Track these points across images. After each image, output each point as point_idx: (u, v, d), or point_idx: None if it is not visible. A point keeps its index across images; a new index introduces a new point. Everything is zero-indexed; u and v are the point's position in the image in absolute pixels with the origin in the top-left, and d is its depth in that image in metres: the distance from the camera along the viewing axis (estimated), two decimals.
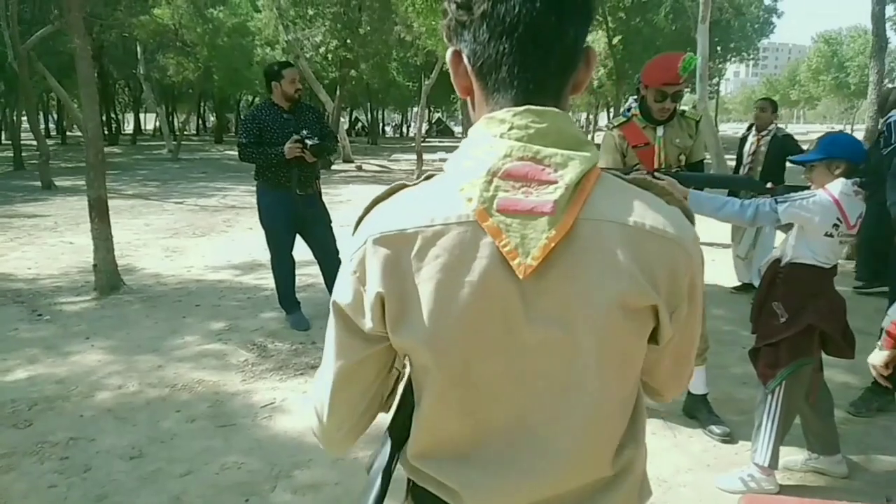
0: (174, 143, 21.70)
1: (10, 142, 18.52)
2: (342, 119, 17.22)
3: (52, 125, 36.18)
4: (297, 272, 4.35)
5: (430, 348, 0.71)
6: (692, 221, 0.77)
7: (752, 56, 37.64)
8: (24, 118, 16.01)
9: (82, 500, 2.40)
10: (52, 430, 2.91)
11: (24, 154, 16.75)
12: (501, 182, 0.68)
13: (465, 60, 0.73)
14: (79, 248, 6.49)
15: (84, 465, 2.63)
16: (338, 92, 17.13)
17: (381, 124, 48.50)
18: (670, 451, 2.75)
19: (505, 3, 0.68)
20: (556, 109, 0.71)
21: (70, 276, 5.66)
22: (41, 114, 30.82)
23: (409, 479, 0.85)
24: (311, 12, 16.80)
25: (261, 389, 3.35)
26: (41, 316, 4.55)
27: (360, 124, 40.69)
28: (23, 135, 17.77)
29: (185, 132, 34.23)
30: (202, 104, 40.82)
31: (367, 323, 0.73)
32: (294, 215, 4.13)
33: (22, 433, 2.89)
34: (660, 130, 2.90)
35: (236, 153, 4.21)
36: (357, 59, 16.73)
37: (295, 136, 3.91)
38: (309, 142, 3.91)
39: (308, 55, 16.51)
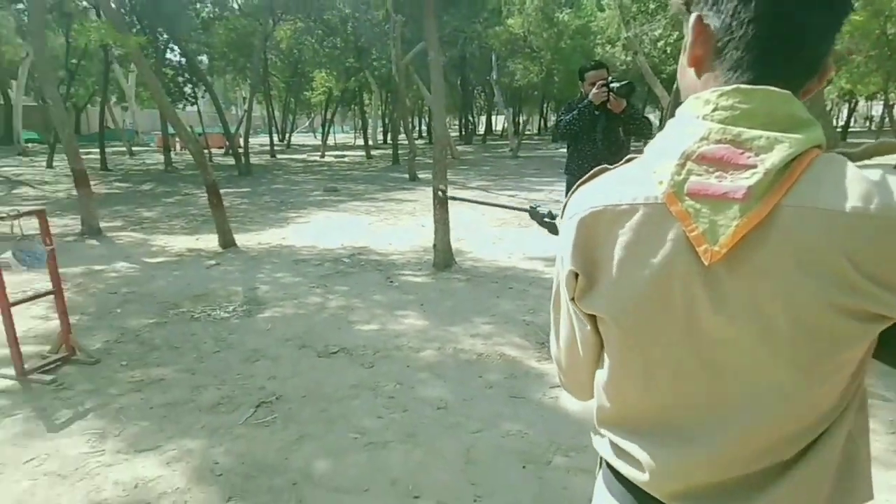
0: (516, 142, 23.67)
1: (391, 142, 22.61)
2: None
3: (423, 127, 42.78)
4: None
5: (610, 322, 0.75)
6: None
7: None
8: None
9: (397, 433, 2.92)
10: (385, 374, 3.58)
11: (399, 151, 20.31)
12: (695, 166, 0.66)
13: (707, 31, 0.70)
14: (427, 231, 7.64)
15: (403, 406, 3.18)
16: (675, 86, 16.38)
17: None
18: None
19: None
20: (771, 88, 0.66)
21: (417, 253, 6.75)
22: (416, 117, 36.79)
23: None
24: (652, 6, 16.42)
25: (553, 371, 3.55)
26: (391, 283, 5.56)
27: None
28: (400, 136, 21.55)
29: (528, 132, 37.02)
30: (545, 105, 43.56)
31: (568, 298, 0.80)
32: None
33: (366, 371, 3.63)
34: None
35: (566, 149, 4.43)
36: None
37: (600, 82, 3.97)
38: (615, 85, 3.90)
39: (646, 50, 16.19)
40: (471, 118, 39.73)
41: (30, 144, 26.56)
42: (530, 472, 2.57)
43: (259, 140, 34.38)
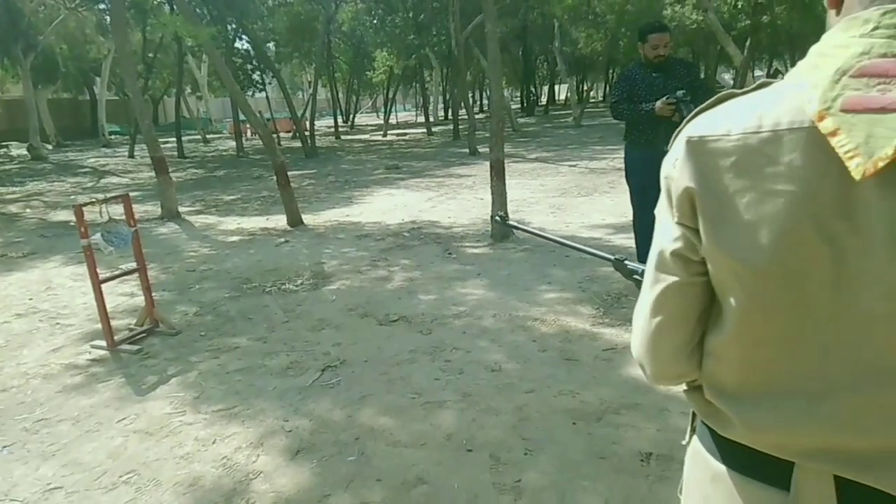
0: (579, 110, 23.17)
1: (452, 117, 22.61)
2: (749, 74, 15.54)
3: (485, 101, 42.44)
4: None
5: (739, 265, 0.67)
6: None
7: None
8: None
9: (453, 394, 3.04)
10: (443, 339, 3.71)
11: (460, 127, 20.32)
12: (852, 81, 0.61)
13: None
14: (486, 203, 7.68)
15: (459, 369, 3.30)
16: (748, 43, 15.51)
17: None
18: None
19: None
20: None
21: (476, 226, 6.84)
22: (477, 91, 36.56)
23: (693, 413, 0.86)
24: None
25: (606, 335, 3.58)
26: (450, 254, 5.68)
27: (780, 76, 36.08)
28: (461, 111, 21.50)
29: (592, 99, 36.06)
30: (610, 71, 42.33)
31: (675, 219, 0.73)
32: (660, 173, 4.17)
33: (424, 338, 3.77)
34: None
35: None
36: (771, 2, 14.83)
37: (670, 98, 3.88)
38: (684, 108, 3.81)
39: (715, 5, 15.40)
40: (533, 89, 39.05)
41: (113, 136, 28.25)
42: (580, 428, 2.64)
43: (324, 122, 35.16)
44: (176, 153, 19.01)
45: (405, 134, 25.70)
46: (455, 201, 8.62)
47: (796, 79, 0.67)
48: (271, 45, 25.22)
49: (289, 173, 7.62)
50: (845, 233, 0.61)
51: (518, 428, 2.69)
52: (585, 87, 33.84)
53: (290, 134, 24.65)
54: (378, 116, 42.93)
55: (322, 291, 4.82)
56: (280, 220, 7.69)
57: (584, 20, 25.13)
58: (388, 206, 8.63)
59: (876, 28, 0.62)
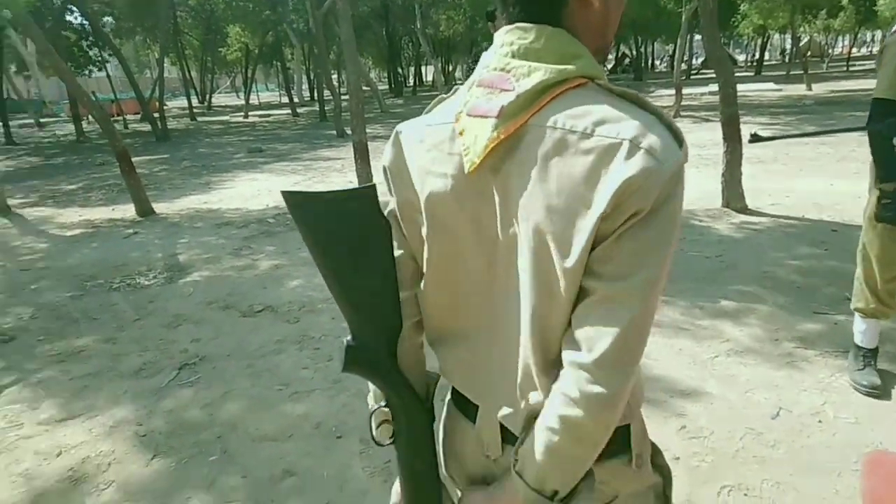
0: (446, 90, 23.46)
1: (317, 98, 21.99)
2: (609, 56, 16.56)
3: None
4: None
5: (420, 212, 0.83)
6: (680, 142, 0.68)
7: None
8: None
9: (323, 382, 3.00)
10: (311, 327, 3.64)
11: (326, 107, 19.81)
12: (477, 89, 0.75)
13: None
14: (355, 186, 7.61)
15: (328, 356, 3.26)
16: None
17: (650, 59, 45.48)
18: None
19: None
20: (544, 25, 0.73)
21: None
22: (341, 71, 35.71)
23: None
24: None
25: None
26: None
27: (627, 60, 38.81)
28: (326, 92, 20.95)
29: (458, 81, 36.57)
30: (473, 51, 43.16)
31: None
32: None
33: (291, 327, 3.68)
34: None
35: None
36: None
37: None
38: None
39: None
40: (400, 70, 38.88)
41: None
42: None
43: (178, 103, 32.78)
44: (3, 140, 16.89)
45: (268, 115, 24.63)
46: (323, 185, 8.43)
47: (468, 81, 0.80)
48: (109, 18, 22.93)
49: (139, 158, 7.08)
50: (472, 208, 0.77)
51: None
52: (450, 69, 34.22)
53: (139, 116, 22.74)
54: (238, 97, 40.72)
55: (178, 285, 4.53)
56: (128, 210, 7.10)
57: (444, 2, 25.41)
58: (250, 191, 8.25)
59: (501, 45, 0.75)
